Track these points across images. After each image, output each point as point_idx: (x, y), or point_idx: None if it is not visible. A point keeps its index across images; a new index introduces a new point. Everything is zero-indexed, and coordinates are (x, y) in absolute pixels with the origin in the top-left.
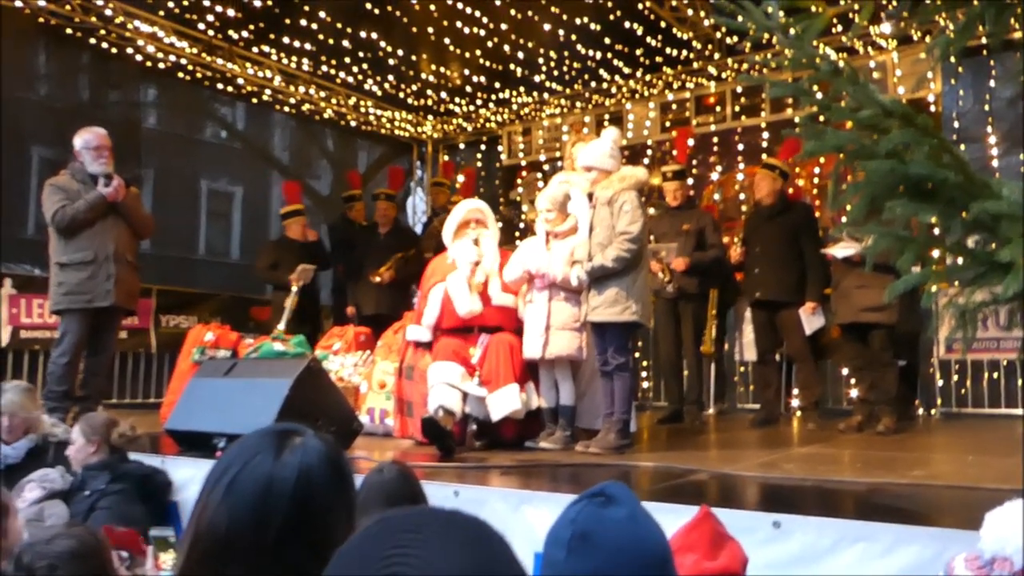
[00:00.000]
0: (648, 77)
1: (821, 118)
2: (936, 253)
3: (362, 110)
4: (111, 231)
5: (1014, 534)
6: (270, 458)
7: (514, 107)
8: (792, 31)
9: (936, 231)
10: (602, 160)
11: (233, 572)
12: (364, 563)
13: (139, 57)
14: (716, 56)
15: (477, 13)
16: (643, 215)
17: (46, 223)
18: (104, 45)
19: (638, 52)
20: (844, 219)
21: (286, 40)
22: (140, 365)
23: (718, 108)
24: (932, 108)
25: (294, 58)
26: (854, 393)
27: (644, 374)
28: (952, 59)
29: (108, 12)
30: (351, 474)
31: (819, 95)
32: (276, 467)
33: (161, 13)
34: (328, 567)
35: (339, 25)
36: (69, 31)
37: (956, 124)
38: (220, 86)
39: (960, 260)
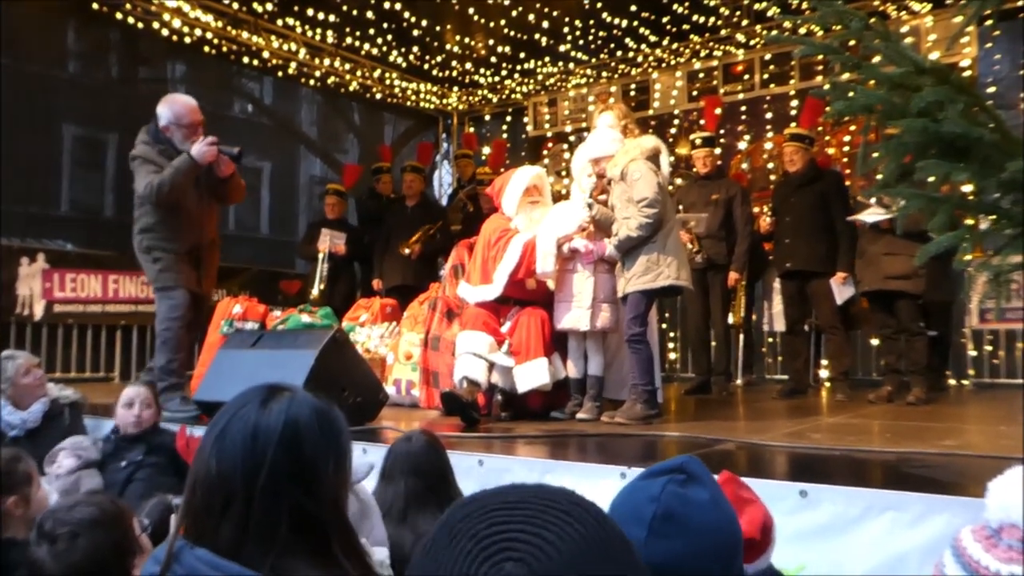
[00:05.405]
0: (675, 45)
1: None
2: (969, 219)
3: (387, 83)
4: (207, 218)
5: (1019, 500)
6: (256, 408)
7: (539, 77)
8: None
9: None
10: (604, 147)
11: (232, 514)
12: (457, 545)
13: (165, 32)
14: (744, 23)
15: None
16: (656, 176)
17: (134, 203)
18: (131, 20)
19: (664, 20)
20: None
21: (310, 12)
22: None
23: (746, 76)
24: (967, 74)
25: (318, 30)
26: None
27: (671, 345)
28: (988, 23)
29: None
30: (341, 423)
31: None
32: (262, 415)
33: None
34: (418, 551)
35: None
36: (96, 6)
37: (991, 90)
38: (246, 60)
39: (994, 221)
